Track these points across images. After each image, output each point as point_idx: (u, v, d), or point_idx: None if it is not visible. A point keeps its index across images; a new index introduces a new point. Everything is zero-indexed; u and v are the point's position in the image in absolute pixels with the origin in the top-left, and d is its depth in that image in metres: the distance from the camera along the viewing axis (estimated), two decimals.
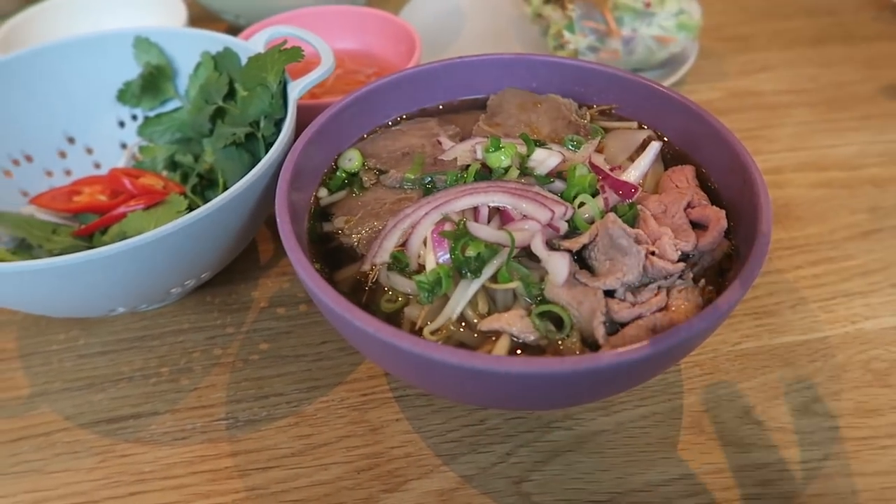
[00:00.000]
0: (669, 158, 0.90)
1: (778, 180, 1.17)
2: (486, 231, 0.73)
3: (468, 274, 0.71)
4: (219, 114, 1.01)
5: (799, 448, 0.80)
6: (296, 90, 0.92)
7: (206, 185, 1.04)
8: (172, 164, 1.08)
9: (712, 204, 0.81)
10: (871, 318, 0.94)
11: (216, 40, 1.04)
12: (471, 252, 0.72)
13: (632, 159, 0.89)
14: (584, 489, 0.77)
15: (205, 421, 0.85)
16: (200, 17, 1.55)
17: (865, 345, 0.91)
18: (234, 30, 1.48)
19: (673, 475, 0.78)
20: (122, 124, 1.11)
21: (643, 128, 0.94)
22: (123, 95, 1.08)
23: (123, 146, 1.11)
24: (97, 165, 1.10)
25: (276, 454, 0.81)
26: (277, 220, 0.74)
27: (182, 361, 0.91)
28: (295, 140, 0.85)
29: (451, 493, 0.77)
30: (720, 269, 0.76)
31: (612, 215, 0.72)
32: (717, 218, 0.75)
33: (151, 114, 1.11)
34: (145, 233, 0.72)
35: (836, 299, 0.97)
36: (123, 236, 0.91)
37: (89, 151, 1.10)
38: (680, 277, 0.73)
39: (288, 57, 0.93)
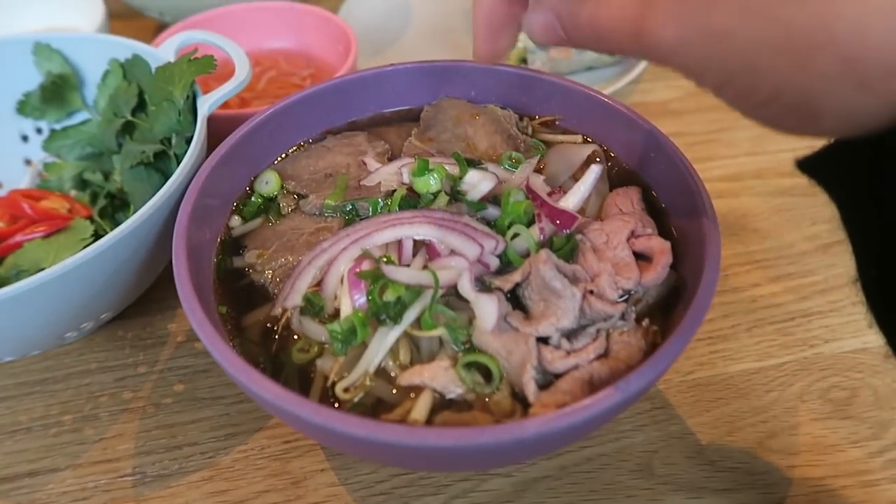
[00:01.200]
0: (616, 177, 0.83)
1: (735, 188, 1.10)
2: (405, 274, 0.65)
3: (387, 320, 0.64)
4: (128, 128, 0.92)
5: (754, 490, 0.75)
6: (205, 105, 0.83)
7: (117, 206, 0.95)
8: (81, 183, 0.98)
9: (660, 230, 0.75)
10: (830, 341, 0.89)
11: (124, 46, 0.94)
12: (389, 296, 0.64)
13: (575, 178, 0.82)
14: None
15: (109, 477, 0.77)
16: (122, 14, 1.43)
17: (824, 371, 0.85)
18: (160, 27, 1.37)
19: None
20: (25, 138, 1.01)
21: (588, 142, 0.87)
22: (24, 107, 0.98)
23: (28, 162, 1.02)
24: None
25: None
26: (173, 260, 0.66)
27: (87, 408, 0.83)
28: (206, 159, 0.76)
29: None
30: (666, 305, 0.70)
31: (544, 253, 0.65)
32: (661, 251, 0.68)
33: (58, 126, 1.01)
34: (20, 281, 0.64)
35: (795, 320, 0.91)
36: (18, 269, 0.82)
37: None
38: (622, 318, 0.66)
39: (198, 68, 0.84)
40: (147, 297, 0.92)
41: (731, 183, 1.11)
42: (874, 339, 0.88)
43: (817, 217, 1.05)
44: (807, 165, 0.54)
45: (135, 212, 0.87)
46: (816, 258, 0.99)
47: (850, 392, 0.83)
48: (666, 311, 0.69)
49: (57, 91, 0.97)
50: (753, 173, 1.14)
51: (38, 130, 1.01)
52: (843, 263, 0.98)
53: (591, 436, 0.79)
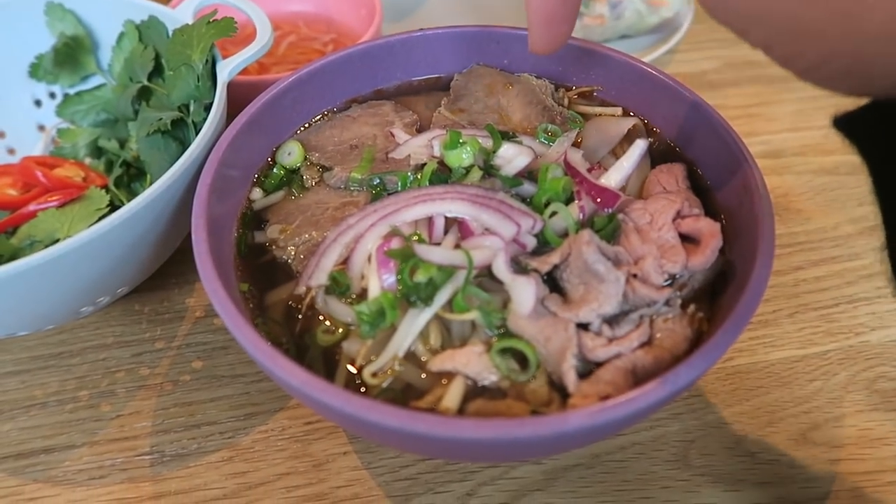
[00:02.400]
0: (658, 153, 0.78)
1: (777, 166, 1.05)
2: (438, 254, 0.61)
3: (418, 302, 0.61)
4: (144, 94, 0.88)
5: (795, 485, 0.71)
6: (225, 71, 0.79)
7: (133, 175, 0.92)
8: (96, 150, 0.95)
9: (706, 210, 0.70)
10: (876, 329, 0.84)
11: (140, 7, 0.90)
12: (420, 277, 0.60)
13: (615, 153, 0.77)
14: None
15: (126, 456, 0.74)
16: None
17: (871, 360, 0.81)
18: None
19: None
20: (38, 103, 0.98)
21: (629, 115, 0.82)
22: (36, 70, 0.95)
23: (41, 128, 0.98)
24: (11, 151, 0.97)
25: (206, 496, 0.71)
26: (192, 235, 0.62)
27: (104, 383, 0.81)
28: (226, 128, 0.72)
29: None
30: (712, 291, 0.66)
31: (587, 233, 0.61)
32: (710, 233, 0.64)
33: (72, 91, 0.97)
34: (35, 253, 0.61)
35: (840, 306, 0.87)
36: (32, 240, 0.80)
37: (1, 135, 0.96)
38: (666, 304, 0.62)
39: (217, 31, 0.80)
40: (164, 270, 0.89)
41: (771, 160, 1.06)
42: None
43: (864, 198, 1.00)
44: (842, 123, 0.51)
45: (152, 181, 0.83)
46: (863, 241, 0.94)
47: None
48: (713, 297, 0.65)
49: (70, 54, 0.93)
50: (796, 150, 1.08)
51: (52, 95, 0.98)
52: None
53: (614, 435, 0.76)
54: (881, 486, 0.71)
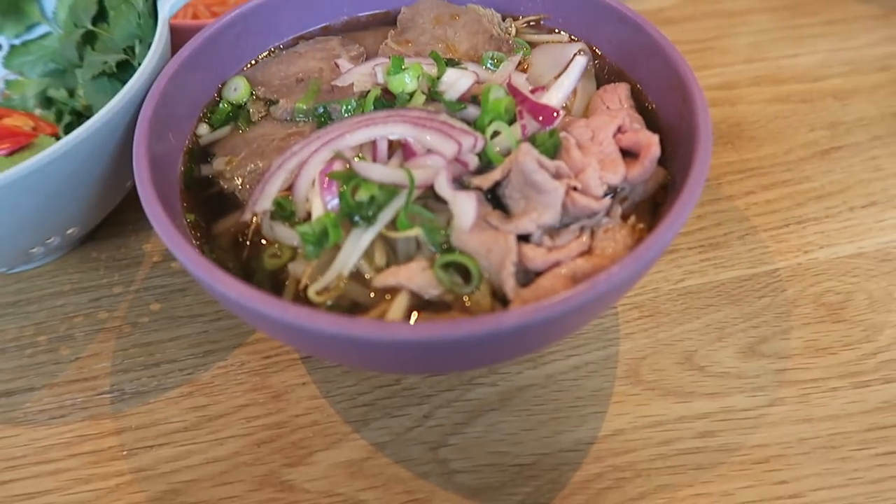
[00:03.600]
0: (605, 76, 0.79)
1: (730, 96, 1.06)
2: (379, 171, 0.62)
3: (361, 221, 0.61)
4: (89, 39, 0.87)
5: (743, 394, 0.73)
6: (166, 6, 0.78)
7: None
8: (46, 101, 0.94)
9: (650, 128, 0.71)
10: (825, 247, 0.86)
11: None
12: (362, 195, 0.61)
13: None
14: (508, 452, 0.70)
15: (87, 395, 0.75)
16: None
17: (819, 276, 0.83)
18: None
19: (605, 431, 0.71)
20: None
21: (575, 41, 0.82)
22: None
23: None
24: None
25: (167, 429, 0.72)
26: (133, 164, 0.62)
27: (62, 328, 0.81)
28: None
29: (360, 464, 0.69)
30: (654, 204, 0.67)
31: (525, 146, 0.61)
32: (648, 145, 0.65)
33: (18, 42, 0.96)
34: None
35: (789, 227, 0.88)
36: None
37: None
38: (606, 215, 0.64)
39: None
40: (120, 218, 0.90)
41: (725, 91, 1.07)
42: (870, 242, 0.85)
43: (816, 123, 1.01)
44: None
45: None
46: (814, 164, 0.96)
47: (844, 296, 0.81)
48: (654, 210, 0.66)
49: (13, 2, 0.92)
50: (749, 81, 1.09)
51: None
52: (841, 169, 0.95)
53: (578, 344, 0.78)
54: (826, 391, 0.73)
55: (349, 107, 0.71)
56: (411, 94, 0.71)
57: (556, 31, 0.84)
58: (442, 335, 0.50)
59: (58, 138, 0.85)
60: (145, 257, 0.88)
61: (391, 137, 0.66)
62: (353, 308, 0.61)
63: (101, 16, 0.87)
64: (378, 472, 0.69)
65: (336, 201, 0.63)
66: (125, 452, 0.71)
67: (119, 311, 0.82)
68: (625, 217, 0.64)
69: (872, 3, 1.22)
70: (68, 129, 0.89)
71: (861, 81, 1.08)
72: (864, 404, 0.72)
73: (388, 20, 0.87)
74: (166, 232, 0.57)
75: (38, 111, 0.93)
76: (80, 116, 0.91)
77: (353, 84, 0.73)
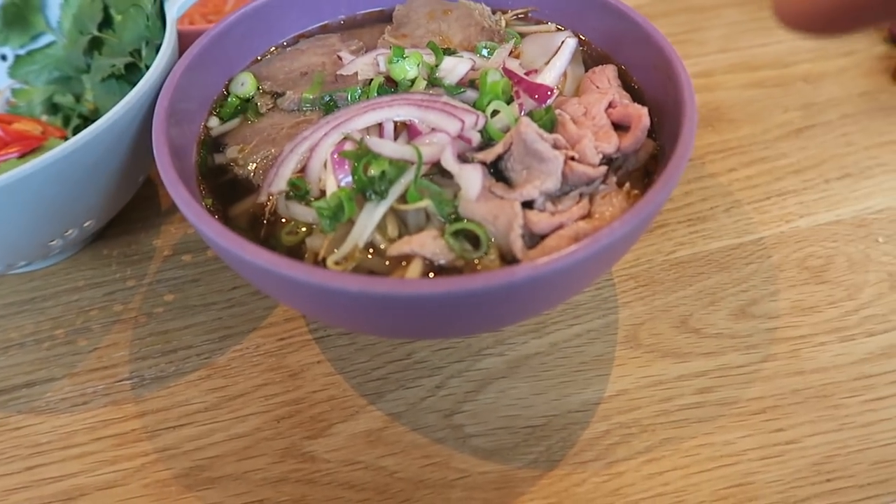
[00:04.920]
0: (591, 61, 0.83)
1: (709, 83, 1.12)
2: (389, 147, 0.66)
3: (373, 196, 0.65)
4: (95, 45, 0.90)
5: (737, 352, 0.77)
6: (174, 8, 0.82)
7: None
8: (52, 107, 0.97)
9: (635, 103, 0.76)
10: (805, 216, 0.91)
11: None
12: (374, 171, 0.65)
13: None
14: (519, 415, 0.73)
15: (107, 383, 0.77)
16: None
17: (801, 242, 0.88)
18: None
19: (610, 392, 0.75)
20: None
21: (562, 30, 0.87)
22: None
23: None
24: None
25: (188, 410, 0.75)
26: (154, 152, 0.66)
27: (79, 321, 0.83)
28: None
29: (378, 433, 0.72)
30: (646, 172, 0.71)
31: (525, 119, 0.66)
32: (638, 116, 0.69)
33: (22, 52, 0.98)
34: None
35: (771, 199, 0.94)
36: None
37: None
38: (603, 182, 0.68)
39: None
40: (128, 216, 0.92)
41: (704, 79, 1.12)
42: (846, 210, 0.91)
43: (789, 105, 1.07)
44: None
45: None
46: (789, 142, 1.01)
47: (825, 260, 0.86)
48: (647, 177, 0.71)
49: (18, 13, 0.95)
50: (725, 69, 1.15)
51: (3, 57, 0.99)
52: (816, 146, 1.00)
53: (578, 314, 0.81)
54: (815, 346, 0.78)
55: (355, 94, 0.75)
56: (412, 81, 0.75)
57: (544, 22, 0.88)
58: (460, 288, 0.53)
59: (66, 140, 0.88)
60: (156, 252, 0.90)
61: (397, 119, 0.70)
62: (369, 276, 0.64)
63: (105, 22, 0.90)
64: (396, 440, 0.72)
65: (349, 178, 0.66)
66: (148, 434, 0.73)
67: (133, 303, 0.85)
68: (620, 184, 0.69)
69: None
70: (76, 132, 0.91)
71: (828, 66, 1.14)
72: (850, 356, 0.77)
73: (384, 18, 0.91)
74: (191, 208, 0.60)
75: (44, 117, 0.96)
76: (87, 120, 0.94)
77: (356, 73, 0.77)
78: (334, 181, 0.66)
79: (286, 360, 0.78)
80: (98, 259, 0.89)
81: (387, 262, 0.64)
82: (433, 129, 0.69)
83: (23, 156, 0.85)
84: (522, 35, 0.87)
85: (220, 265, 0.88)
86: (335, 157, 0.67)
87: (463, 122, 0.68)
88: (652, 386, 0.75)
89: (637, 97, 0.77)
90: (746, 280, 0.84)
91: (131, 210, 0.91)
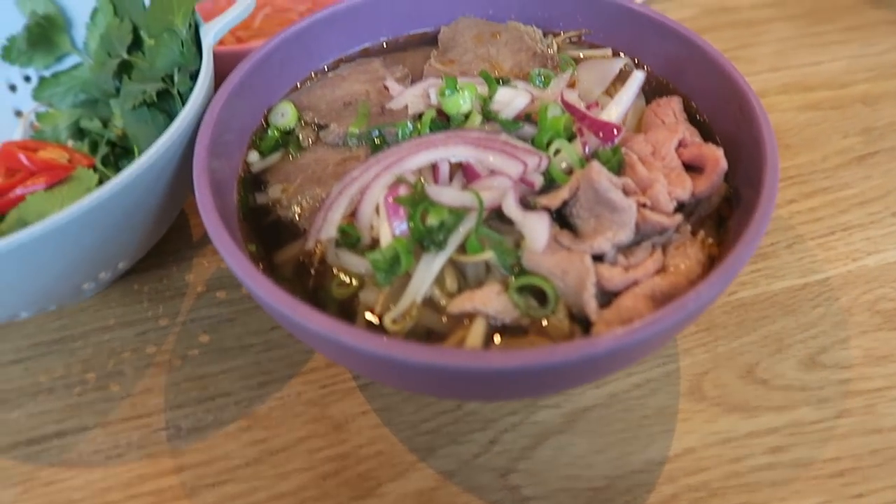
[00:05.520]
0: (650, 90, 0.78)
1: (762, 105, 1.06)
2: (448, 194, 0.61)
3: (431, 246, 0.60)
4: (124, 68, 0.86)
5: (809, 407, 0.73)
6: (210, 34, 0.77)
7: (119, 154, 0.89)
8: (79, 132, 0.92)
9: (705, 139, 0.71)
10: (873, 254, 0.86)
11: None
12: (432, 220, 0.60)
13: (609, 93, 0.77)
14: (579, 475, 0.69)
15: (142, 433, 0.73)
16: None
17: (870, 283, 0.83)
18: None
19: (675, 450, 0.70)
20: (13, 88, 0.95)
21: (619, 55, 0.82)
22: (9, 53, 0.91)
23: (18, 114, 0.95)
24: None
25: (228, 465, 0.70)
26: (196, 194, 0.61)
27: (110, 364, 0.79)
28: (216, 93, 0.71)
29: (430, 494, 0.68)
30: (719, 217, 0.66)
31: (596, 165, 0.61)
32: (714, 159, 0.64)
33: (47, 73, 0.94)
34: (33, 225, 0.59)
35: (835, 234, 0.88)
36: (23, 224, 0.77)
37: None
38: (676, 231, 0.63)
39: None
40: (159, 249, 0.88)
41: None
42: None
43: (849, 129, 1.02)
44: None
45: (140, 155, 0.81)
46: (851, 171, 0.96)
47: None
48: (720, 223, 0.66)
49: (43, 34, 0.91)
50: (778, 89, 1.09)
51: (27, 78, 0.95)
52: (880, 174, 0.95)
53: (637, 362, 0.77)
54: (892, 400, 0.73)
55: (405, 130, 0.70)
56: (466, 115, 0.71)
57: (599, 45, 0.83)
58: (538, 362, 0.49)
59: (95, 170, 0.84)
60: (188, 288, 0.86)
61: (453, 160, 0.66)
62: (428, 335, 0.59)
63: (135, 45, 0.86)
64: (449, 502, 0.67)
65: (404, 226, 0.62)
66: (187, 492, 0.69)
67: (167, 344, 0.80)
68: (693, 232, 0.64)
69: (888, 9, 1.23)
70: (105, 160, 0.87)
71: (887, 86, 1.08)
72: None
73: (426, 40, 0.87)
74: (238, 263, 0.55)
75: (70, 142, 0.92)
76: (115, 146, 0.89)
77: (406, 107, 0.73)
78: (388, 229, 0.62)
79: (330, 409, 0.74)
80: (129, 295, 0.85)
81: (444, 319, 0.60)
82: (492, 171, 0.64)
83: (50, 187, 0.80)
84: (576, 60, 0.82)
85: (256, 304, 0.83)
86: (389, 201, 0.63)
87: (525, 164, 0.63)
88: (720, 444, 0.70)
89: (705, 132, 0.72)
90: (814, 325, 0.79)
91: (163, 242, 0.87)
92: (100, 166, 0.86)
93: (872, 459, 0.69)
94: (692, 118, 0.74)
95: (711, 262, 0.62)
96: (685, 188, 0.63)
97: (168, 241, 0.89)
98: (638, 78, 0.71)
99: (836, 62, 1.13)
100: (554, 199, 0.62)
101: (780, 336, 0.79)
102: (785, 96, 1.08)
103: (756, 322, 0.80)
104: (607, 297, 0.59)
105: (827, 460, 0.69)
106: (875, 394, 0.73)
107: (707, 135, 0.72)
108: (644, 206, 0.62)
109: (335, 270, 0.64)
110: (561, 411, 0.73)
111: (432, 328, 0.60)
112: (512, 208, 0.61)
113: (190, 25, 0.78)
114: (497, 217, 0.63)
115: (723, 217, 0.66)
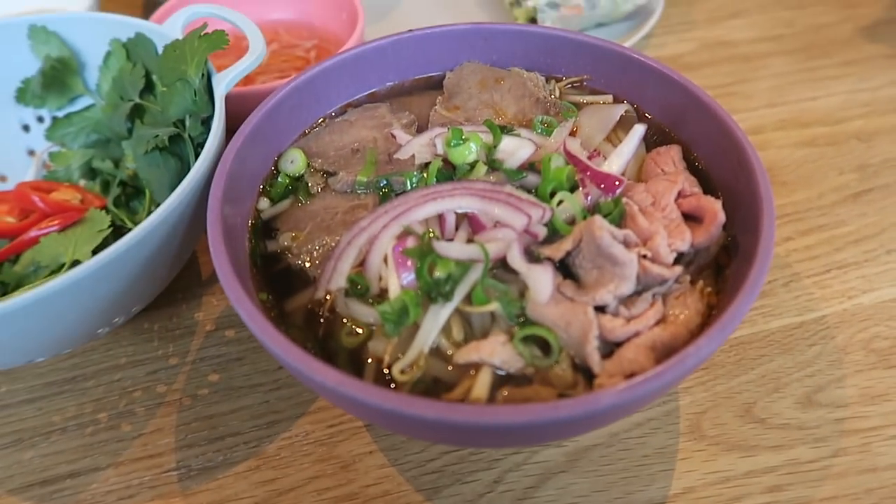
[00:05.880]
0: (651, 137, 0.80)
1: (759, 142, 1.08)
2: (455, 249, 0.63)
3: (438, 298, 0.62)
4: (137, 112, 0.88)
5: (806, 446, 0.74)
6: (222, 84, 0.79)
7: (130, 195, 0.91)
8: (90, 172, 0.94)
9: (703, 188, 0.73)
10: (868, 292, 0.88)
11: (126, 25, 0.90)
12: (440, 273, 0.62)
13: (610, 140, 0.80)
14: None
15: (153, 473, 0.75)
16: None
17: (865, 321, 0.85)
18: (151, 5, 1.32)
19: (676, 489, 0.72)
20: (26, 128, 0.97)
21: (620, 101, 0.84)
22: (23, 95, 0.94)
23: (32, 153, 0.97)
24: (2, 178, 0.96)
25: None
26: (210, 246, 0.63)
27: (122, 404, 0.81)
28: (227, 142, 0.73)
29: None
30: (717, 266, 0.68)
31: (598, 219, 0.63)
32: (713, 212, 0.66)
33: (60, 114, 0.96)
34: (50, 282, 0.61)
35: (831, 272, 0.90)
36: (37, 265, 0.79)
37: None
38: (676, 281, 0.65)
39: (210, 44, 0.80)
40: (169, 286, 0.89)
41: (753, 136, 1.09)
42: None
43: (844, 166, 1.04)
44: None
45: (153, 198, 0.84)
46: (846, 208, 0.98)
47: (892, 341, 0.83)
48: (718, 272, 0.68)
49: (57, 76, 0.93)
50: (775, 125, 1.12)
51: (40, 119, 0.97)
52: (875, 212, 0.97)
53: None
54: (887, 439, 0.75)
55: (412, 179, 0.72)
56: (472, 165, 0.73)
57: (600, 91, 0.85)
58: (542, 417, 0.51)
59: (107, 211, 0.86)
60: (198, 326, 0.88)
61: (458, 211, 0.68)
62: (435, 384, 0.61)
63: (147, 89, 0.88)
64: None
65: (412, 277, 0.64)
66: None
67: (177, 383, 0.82)
68: (692, 281, 0.66)
69: (884, 43, 1.26)
70: (117, 200, 0.89)
71: (881, 122, 1.11)
72: None
73: (431, 84, 0.89)
74: (252, 317, 0.57)
75: (82, 182, 0.94)
76: (126, 186, 0.91)
77: (413, 156, 0.75)
78: (396, 280, 0.64)
79: (337, 449, 0.76)
80: (139, 334, 0.87)
81: (450, 368, 0.62)
82: (497, 223, 0.66)
83: (64, 229, 0.82)
84: (578, 105, 0.84)
85: None
86: (397, 253, 0.65)
87: (529, 216, 0.65)
88: (719, 483, 0.72)
89: (703, 180, 0.74)
90: (811, 364, 0.81)
91: (172, 279, 0.88)
92: (111, 207, 0.88)
93: (868, 499, 0.70)
94: (691, 166, 0.76)
95: (710, 311, 0.64)
96: (685, 240, 0.65)
97: (178, 279, 0.91)
98: (639, 131, 0.73)
99: (832, 97, 1.16)
100: (557, 251, 0.64)
101: (778, 375, 0.81)
102: (782, 132, 1.11)
103: (754, 361, 0.82)
104: (609, 347, 0.61)
105: (823, 499, 0.70)
106: (870, 433, 0.75)
107: (705, 183, 0.74)
108: (645, 256, 0.64)
109: (345, 319, 0.65)
110: (563, 450, 0.75)
111: (439, 377, 0.61)
112: (517, 260, 0.63)
113: (203, 75, 0.80)
114: (502, 266, 0.65)
115: (721, 265, 0.68)
